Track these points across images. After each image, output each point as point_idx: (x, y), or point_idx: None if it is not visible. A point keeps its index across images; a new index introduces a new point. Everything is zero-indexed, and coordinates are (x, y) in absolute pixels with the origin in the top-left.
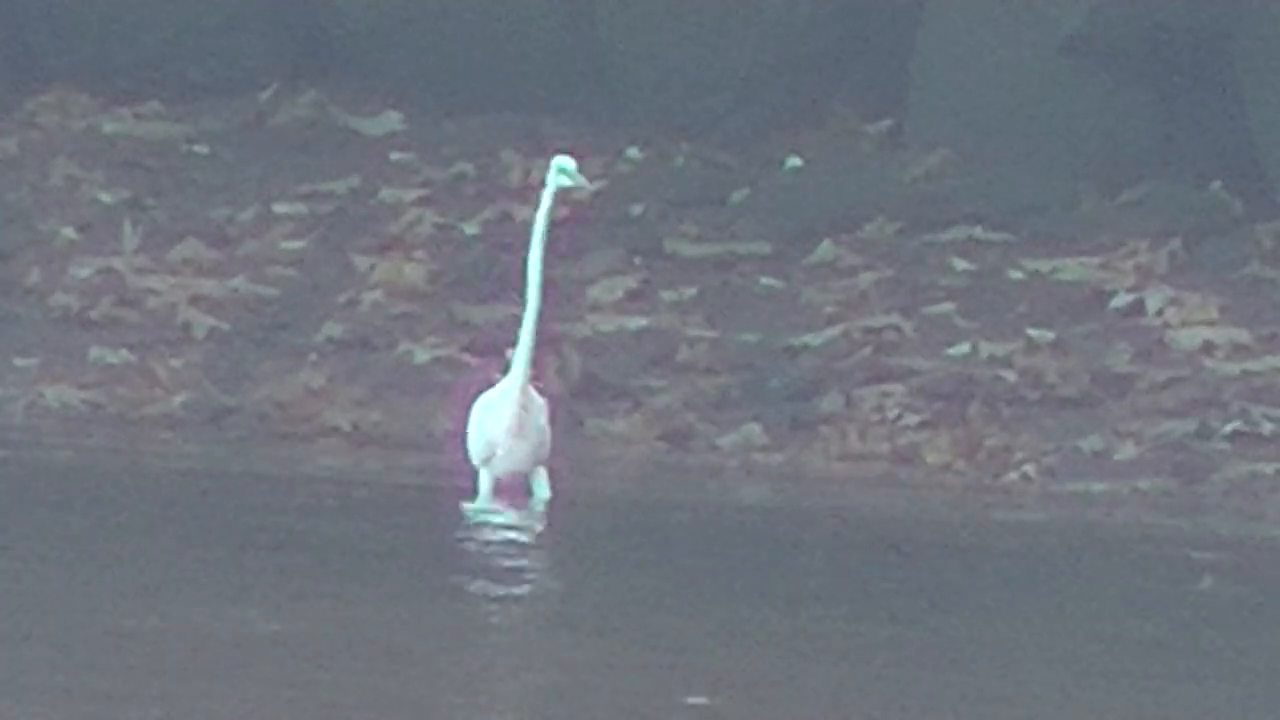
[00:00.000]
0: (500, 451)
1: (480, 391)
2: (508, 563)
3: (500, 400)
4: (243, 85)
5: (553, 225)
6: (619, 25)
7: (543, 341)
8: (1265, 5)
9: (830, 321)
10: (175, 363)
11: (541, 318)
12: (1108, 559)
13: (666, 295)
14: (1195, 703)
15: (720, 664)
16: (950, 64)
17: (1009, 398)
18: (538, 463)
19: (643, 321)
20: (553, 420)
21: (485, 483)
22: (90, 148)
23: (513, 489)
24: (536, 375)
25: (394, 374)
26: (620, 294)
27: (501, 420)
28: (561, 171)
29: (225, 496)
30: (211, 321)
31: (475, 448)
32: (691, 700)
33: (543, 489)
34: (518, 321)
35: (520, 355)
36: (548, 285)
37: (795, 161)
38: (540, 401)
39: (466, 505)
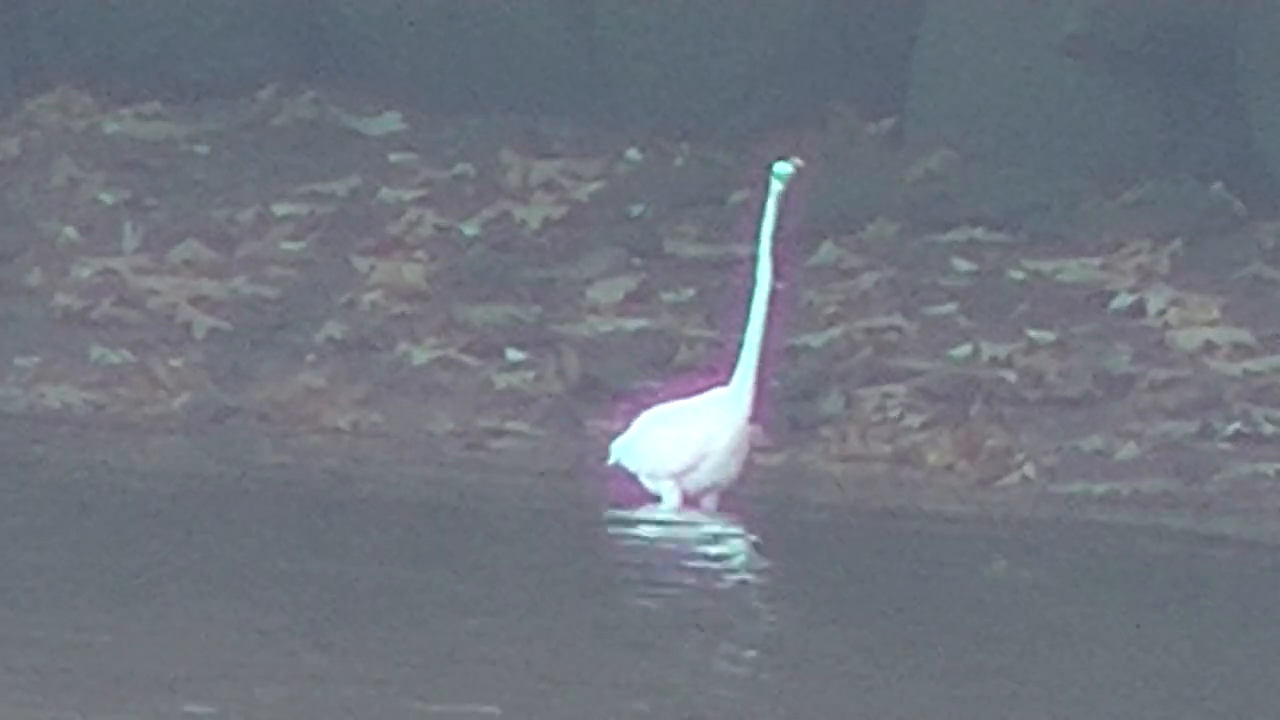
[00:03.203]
0: (711, 464)
1: (650, 403)
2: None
3: (722, 413)
4: (243, 85)
5: (777, 232)
6: (619, 25)
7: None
8: (1266, 5)
9: (831, 322)
10: (176, 363)
11: (768, 329)
12: (1108, 559)
13: (666, 296)
14: (1199, 701)
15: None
16: (951, 64)
17: (1010, 398)
18: (737, 477)
19: (642, 322)
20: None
21: (673, 494)
22: (91, 148)
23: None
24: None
25: (394, 374)
26: (620, 294)
27: (721, 434)
28: (779, 178)
29: (238, 498)
30: (212, 322)
31: (673, 459)
32: None
33: (712, 502)
34: (517, 322)
35: (746, 366)
36: (546, 285)
37: (795, 161)
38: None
39: (652, 515)
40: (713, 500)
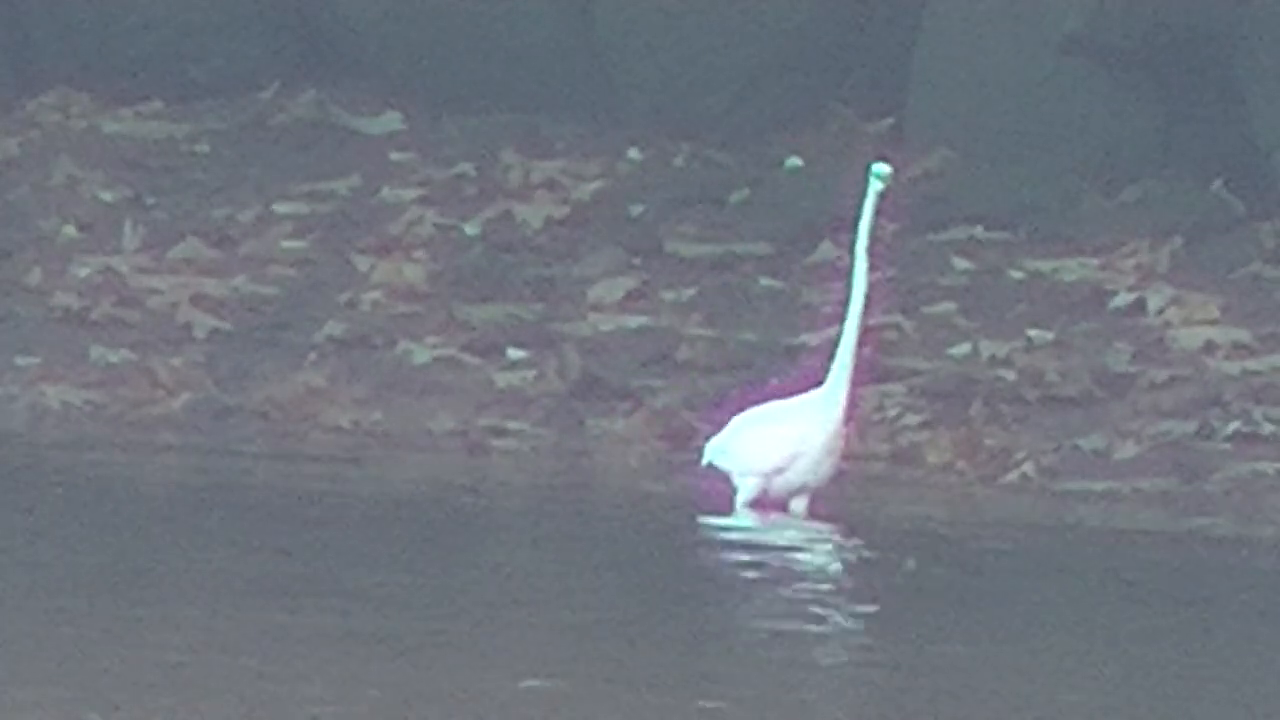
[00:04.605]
0: (804, 463)
1: (746, 402)
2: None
3: (817, 412)
4: (243, 85)
5: (875, 231)
6: (619, 25)
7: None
8: (1266, 4)
9: (830, 321)
10: (176, 362)
11: (863, 329)
12: (1108, 558)
13: (666, 295)
14: (1197, 699)
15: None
16: (950, 63)
17: (1009, 397)
18: (828, 479)
19: (643, 321)
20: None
21: (749, 493)
22: (91, 147)
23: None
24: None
25: (394, 374)
26: (620, 294)
27: (816, 433)
28: (879, 178)
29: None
30: (212, 321)
31: (765, 458)
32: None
33: (800, 504)
34: (517, 321)
35: (841, 366)
36: (547, 284)
37: (795, 161)
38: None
39: (725, 517)
40: (802, 504)
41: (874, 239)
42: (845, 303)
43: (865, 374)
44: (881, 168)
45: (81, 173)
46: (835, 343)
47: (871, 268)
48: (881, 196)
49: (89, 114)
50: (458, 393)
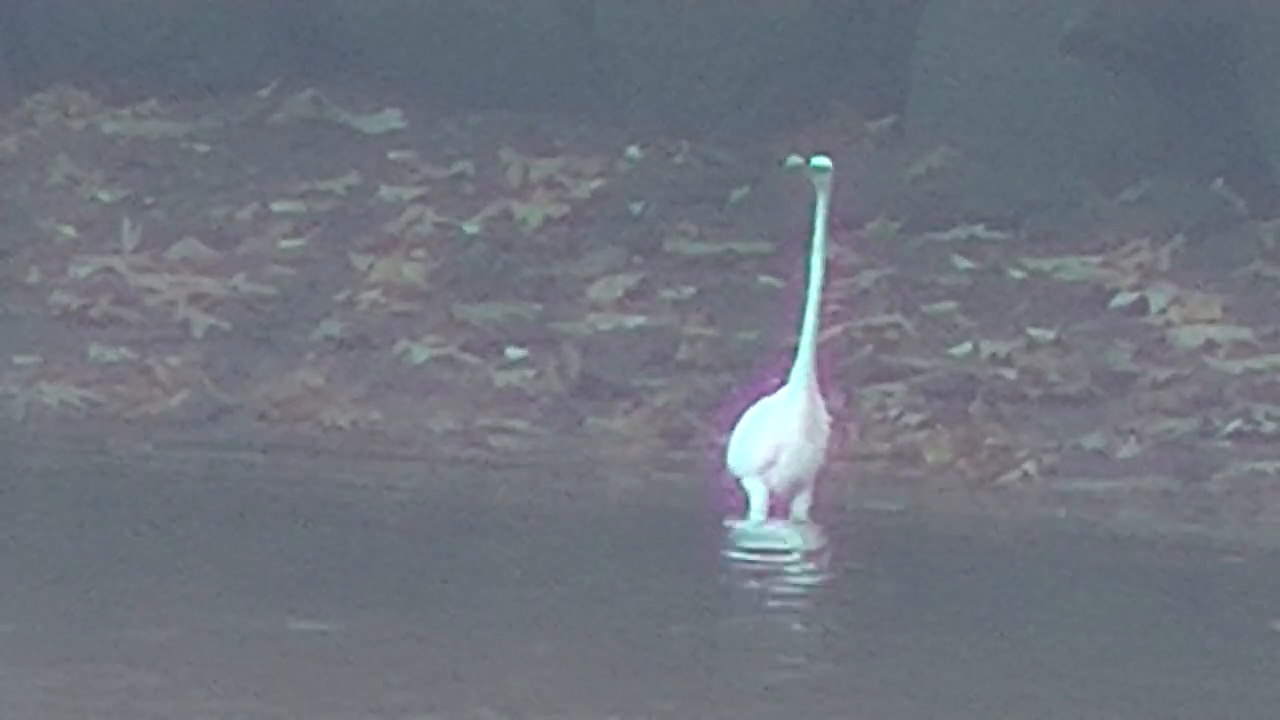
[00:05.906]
0: (786, 456)
1: (748, 403)
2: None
3: (786, 403)
4: (242, 84)
5: (829, 224)
6: (619, 25)
7: (546, 338)
8: (1267, 3)
9: (830, 320)
10: (174, 361)
11: (821, 318)
12: (1109, 558)
13: (666, 294)
14: (1198, 701)
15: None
16: (951, 61)
17: (1010, 396)
18: (817, 471)
19: (642, 320)
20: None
21: (760, 496)
22: (89, 147)
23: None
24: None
25: (393, 373)
26: (620, 293)
27: (789, 422)
28: (819, 170)
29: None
30: (210, 320)
31: (753, 455)
32: None
33: (802, 504)
34: (517, 320)
35: (802, 355)
36: (546, 283)
37: (795, 160)
38: (822, 404)
39: (739, 520)
40: (803, 505)
41: (829, 234)
42: (804, 297)
43: (829, 368)
44: (821, 161)
45: (80, 172)
46: (796, 340)
47: (827, 264)
48: (830, 190)
49: (87, 113)
50: (457, 392)
